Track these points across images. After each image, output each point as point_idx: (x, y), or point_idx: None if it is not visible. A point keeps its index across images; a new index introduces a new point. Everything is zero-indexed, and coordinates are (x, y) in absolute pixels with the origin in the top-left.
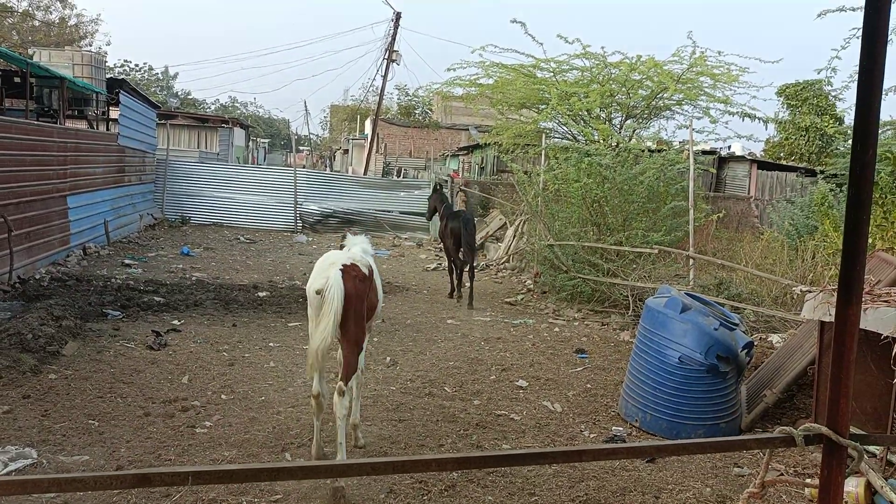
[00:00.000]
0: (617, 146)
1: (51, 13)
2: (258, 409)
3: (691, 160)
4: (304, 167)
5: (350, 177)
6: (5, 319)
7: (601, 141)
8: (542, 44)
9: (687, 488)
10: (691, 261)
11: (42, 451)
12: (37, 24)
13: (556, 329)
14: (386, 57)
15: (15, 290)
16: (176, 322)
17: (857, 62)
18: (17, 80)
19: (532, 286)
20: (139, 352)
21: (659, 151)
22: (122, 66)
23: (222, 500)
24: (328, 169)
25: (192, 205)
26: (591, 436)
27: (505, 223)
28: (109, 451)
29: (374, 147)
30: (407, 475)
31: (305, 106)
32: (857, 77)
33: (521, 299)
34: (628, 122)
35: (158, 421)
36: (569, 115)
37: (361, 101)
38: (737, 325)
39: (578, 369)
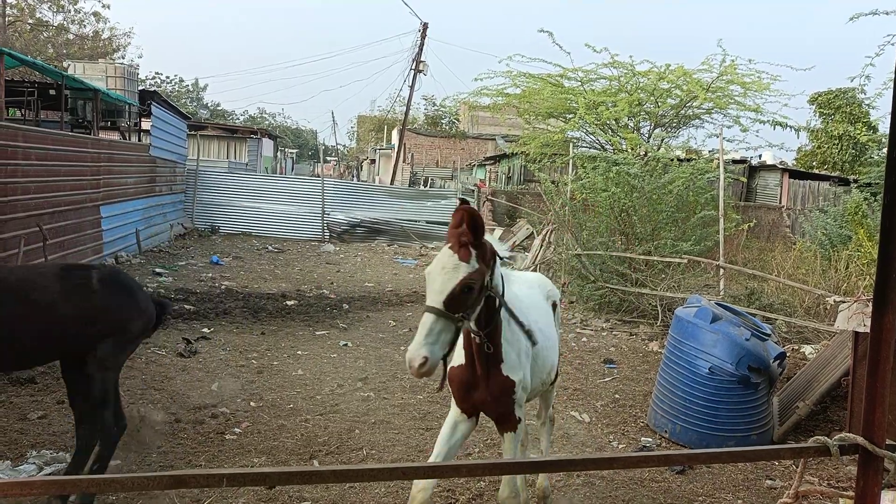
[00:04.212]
0: (645, 155)
1: (84, 27)
2: (286, 417)
3: (721, 169)
4: (331, 177)
5: (377, 186)
6: None
7: (629, 150)
8: (569, 53)
9: (718, 500)
10: (721, 271)
11: None
12: (71, 38)
13: (584, 339)
14: (413, 67)
15: None
16: (205, 330)
17: (892, 69)
18: (52, 92)
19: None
20: (170, 359)
21: (688, 161)
22: (154, 78)
23: None
24: (355, 179)
25: (221, 214)
26: (620, 446)
27: (532, 233)
28: (141, 456)
29: (401, 157)
30: (437, 483)
31: (333, 116)
32: (891, 84)
33: None
34: (657, 131)
35: (189, 427)
36: (596, 125)
37: (388, 112)
38: (768, 335)
39: (607, 379)
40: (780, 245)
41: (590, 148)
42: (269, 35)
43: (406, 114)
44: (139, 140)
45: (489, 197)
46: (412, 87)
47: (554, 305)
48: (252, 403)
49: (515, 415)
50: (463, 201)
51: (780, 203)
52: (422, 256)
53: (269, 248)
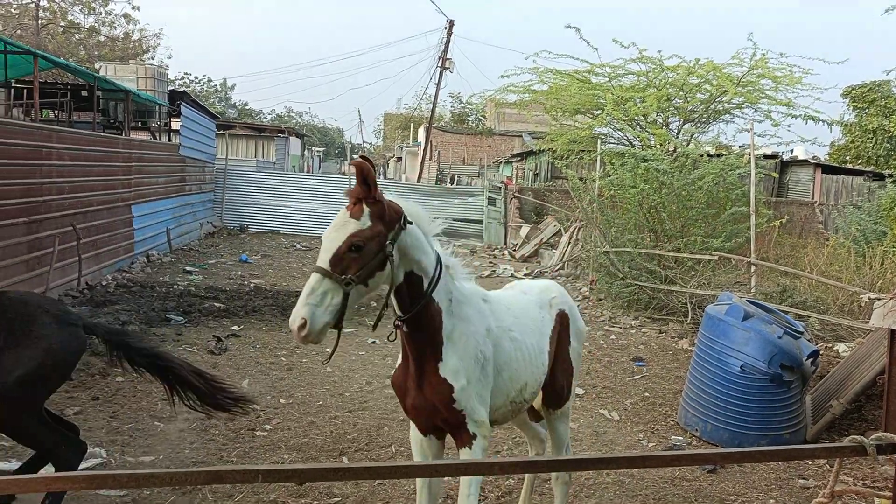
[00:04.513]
0: (674, 151)
1: (115, 29)
2: (316, 414)
3: (752, 164)
4: None
5: (403, 184)
6: None
7: (658, 146)
8: (596, 49)
9: (750, 500)
10: (753, 267)
11: (111, 451)
12: (102, 40)
13: (613, 336)
14: (439, 65)
15: (83, 295)
16: (235, 328)
17: None
18: (84, 93)
19: (588, 293)
20: (201, 356)
21: (718, 156)
22: (183, 78)
23: (282, 501)
24: (382, 177)
25: (250, 213)
26: (650, 445)
27: (559, 230)
28: (174, 452)
29: (428, 154)
30: (486, 480)
31: (359, 115)
32: None
33: (577, 307)
34: (686, 126)
35: (220, 424)
36: (624, 121)
37: (415, 110)
38: (801, 333)
39: (636, 377)
40: (813, 241)
41: (618, 144)
42: (296, 34)
43: (432, 111)
44: (169, 140)
45: (516, 194)
46: (438, 84)
47: (561, 316)
48: (282, 400)
49: (468, 430)
50: (362, 157)
51: (813, 199)
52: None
53: (298, 245)
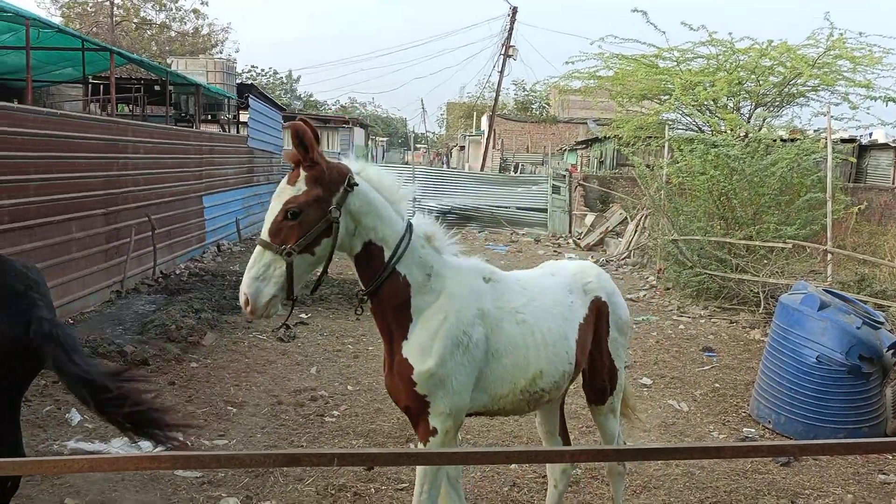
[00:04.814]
0: (746, 136)
1: (185, 24)
2: (382, 401)
3: (829, 149)
4: (420, 165)
5: (467, 173)
6: (151, 311)
7: (729, 131)
8: (664, 32)
9: (826, 494)
10: (829, 256)
11: (186, 434)
12: (173, 35)
13: (681, 326)
14: (502, 52)
15: (158, 284)
16: (303, 315)
17: None
18: (157, 88)
19: (655, 282)
20: (270, 343)
21: (792, 141)
22: (250, 71)
23: (351, 486)
24: (445, 166)
25: None
26: (721, 436)
27: (625, 218)
28: (247, 436)
29: (491, 143)
30: (529, 470)
31: (422, 104)
32: None
33: (644, 296)
34: (758, 110)
35: (290, 409)
36: (693, 106)
37: (477, 98)
38: (882, 323)
39: (706, 368)
40: (894, 228)
41: (686, 130)
42: (360, 25)
43: (496, 99)
44: (238, 132)
45: (581, 182)
46: (501, 72)
47: (597, 304)
48: (349, 387)
49: (428, 421)
50: (301, 119)
51: (893, 184)
52: (513, 243)
53: None
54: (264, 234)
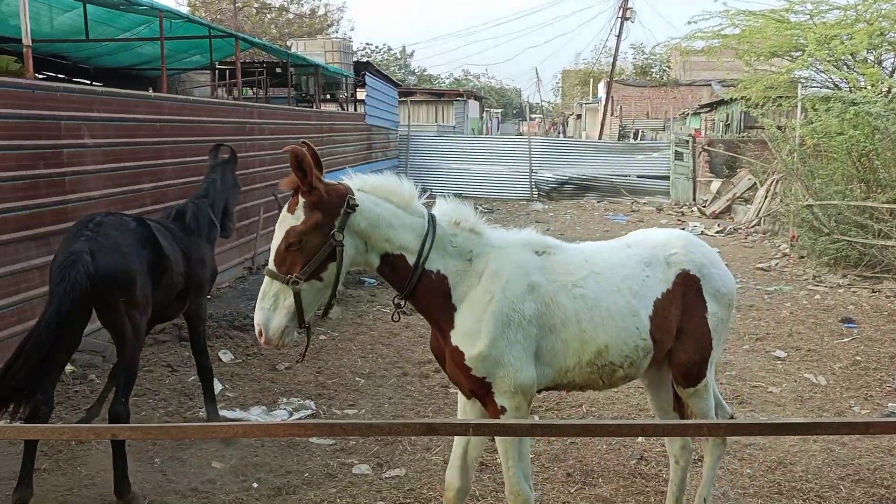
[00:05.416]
0: (889, 92)
1: (302, 6)
2: None
3: None
4: (536, 135)
5: (584, 142)
6: None
7: (869, 87)
8: None
9: None
10: None
11: (318, 404)
12: (291, 17)
13: (817, 296)
14: (619, 15)
15: None
16: None
17: None
18: (278, 70)
19: (788, 250)
20: (390, 315)
21: None
22: (365, 48)
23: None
24: (561, 135)
25: (432, 177)
26: (863, 412)
27: (755, 183)
28: (375, 406)
29: (609, 110)
30: (658, 443)
31: (536, 73)
32: None
33: (776, 265)
34: None
35: (415, 381)
36: (829, 61)
37: (594, 64)
38: None
39: (845, 340)
40: None
41: (821, 88)
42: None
43: (613, 65)
44: (355, 110)
45: (706, 147)
46: (619, 36)
47: (685, 277)
48: None
49: (495, 401)
50: (303, 143)
51: None
52: (633, 212)
53: (479, 208)
54: (271, 265)
